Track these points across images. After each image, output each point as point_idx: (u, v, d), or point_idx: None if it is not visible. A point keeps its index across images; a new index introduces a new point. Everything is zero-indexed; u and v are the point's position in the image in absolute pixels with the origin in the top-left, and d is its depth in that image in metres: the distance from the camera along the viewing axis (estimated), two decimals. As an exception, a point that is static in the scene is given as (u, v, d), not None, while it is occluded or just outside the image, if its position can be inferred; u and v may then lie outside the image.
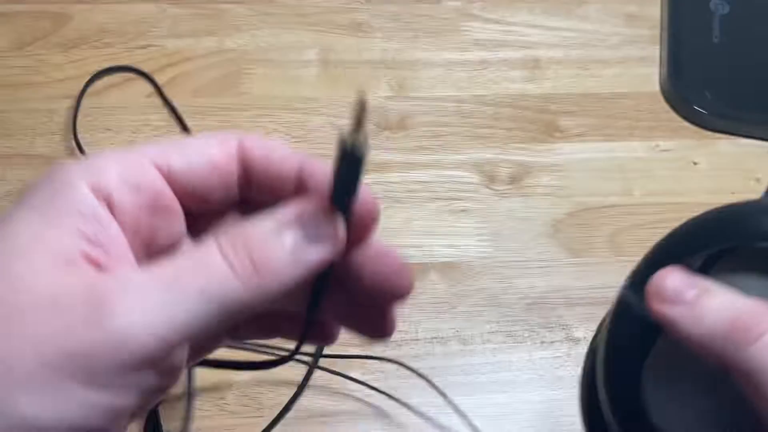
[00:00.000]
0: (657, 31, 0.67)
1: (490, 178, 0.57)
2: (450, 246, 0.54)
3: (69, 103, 0.58)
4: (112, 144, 0.56)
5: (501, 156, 0.58)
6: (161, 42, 0.62)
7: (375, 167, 0.57)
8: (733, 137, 0.60)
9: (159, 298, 0.23)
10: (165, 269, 0.24)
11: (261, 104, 0.59)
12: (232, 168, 0.28)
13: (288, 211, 0.26)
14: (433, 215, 0.55)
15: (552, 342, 0.50)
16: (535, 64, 0.64)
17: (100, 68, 0.60)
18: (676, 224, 0.35)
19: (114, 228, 0.26)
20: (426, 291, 0.52)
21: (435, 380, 0.48)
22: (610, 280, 0.53)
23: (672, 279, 0.29)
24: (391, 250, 0.30)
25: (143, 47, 0.62)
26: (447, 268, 0.53)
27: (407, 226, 0.54)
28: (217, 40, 0.63)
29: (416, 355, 0.49)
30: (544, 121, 0.60)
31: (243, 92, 0.60)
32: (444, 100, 0.61)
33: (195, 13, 0.64)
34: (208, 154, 0.28)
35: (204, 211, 0.29)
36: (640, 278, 0.32)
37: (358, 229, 0.29)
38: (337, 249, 0.27)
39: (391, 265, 0.30)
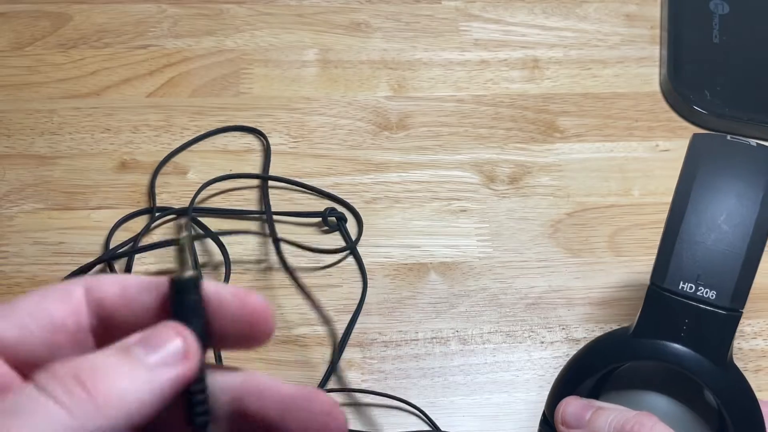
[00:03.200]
0: (657, 31, 0.67)
1: (490, 178, 0.57)
2: (450, 246, 0.54)
3: (69, 103, 0.58)
4: (111, 144, 0.56)
5: (500, 156, 0.58)
6: (161, 42, 0.62)
7: (375, 167, 0.57)
8: (732, 137, 0.60)
9: None
10: None
11: (260, 104, 0.59)
12: (81, 321, 0.25)
13: (132, 338, 0.24)
14: (433, 215, 0.55)
15: (552, 342, 0.50)
16: (534, 64, 0.64)
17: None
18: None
19: None
20: (426, 291, 0.52)
21: (435, 380, 0.48)
22: (610, 280, 0.53)
23: (571, 407, 0.36)
24: (315, 390, 0.26)
25: (143, 47, 0.62)
26: (447, 268, 0.53)
27: (407, 226, 0.54)
28: (217, 40, 0.63)
29: (416, 355, 0.49)
30: (543, 121, 0.60)
31: (242, 92, 0.60)
32: (444, 100, 0.61)
33: (194, 13, 0.64)
34: (45, 314, 0.24)
35: None
36: (549, 409, 0.39)
37: (251, 332, 0.25)
38: (191, 366, 0.24)
39: (320, 409, 0.25)
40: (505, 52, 0.64)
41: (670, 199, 0.56)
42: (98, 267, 0.50)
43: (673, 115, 0.61)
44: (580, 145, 0.59)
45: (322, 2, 0.66)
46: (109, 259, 0.50)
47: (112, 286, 0.25)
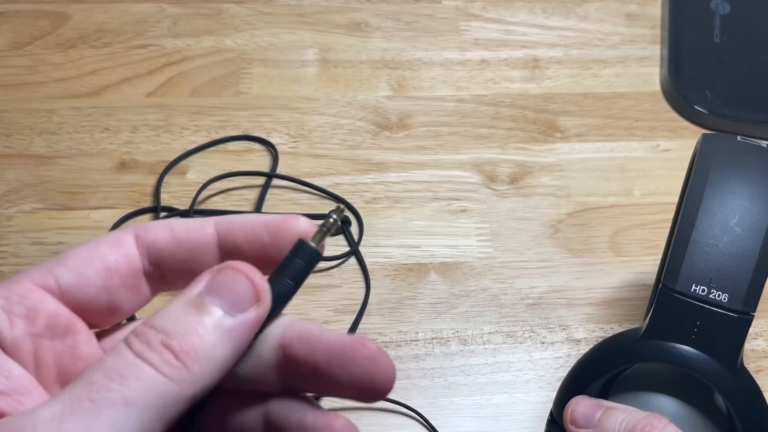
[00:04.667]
0: (657, 31, 0.66)
1: (490, 178, 0.57)
2: (450, 246, 0.53)
3: (68, 102, 0.58)
4: (111, 144, 0.56)
5: (501, 156, 0.58)
6: (160, 41, 0.62)
7: (375, 167, 0.57)
8: (733, 137, 0.60)
9: (79, 426, 0.21)
10: (76, 390, 0.22)
11: (260, 104, 0.59)
12: (135, 267, 0.26)
13: (198, 286, 0.24)
14: (433, 215, 0.55)
15: (552, 342, 0.50)
16: (535, 63, 0.63)
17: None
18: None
19: (11, 367, 0.24)
20: (426, 291, 0.51)
21: (435, 380, 0.48)
22: (611, 280, 0.53)
23: (580, 407, 0.36)
24: (361, 339, 0.25)
25: (142, 47, 0.62)
26: (447, 268, 0.52)
27: (407, 226, 0.54)
28: (217, 40, 0.62)
29: (416, 355, 0.49)
30: (544, 120, 0.60)
31: (242, 92, 0.60)
32: (444, 100, 0.61)
33: (194, 13, 0.64)
34: (99, 259, 0.26)
35: (118, 319, 0.27)
36: (557, 409, 0.39)
37: (370, 388, 0.25)
38: (264, 308, 0.24)
39: (366, 355, 0.25)
40: (505, 52, 0.64)
41: (670, 199, 0.56)
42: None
43: (674, 114, 0.61)
44: (581, 145, 0.59)
45: (322, 2, 0.66)
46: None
47: (161, 229, 0.26)
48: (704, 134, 0.40)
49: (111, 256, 0.26)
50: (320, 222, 0.26)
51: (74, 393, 0.22)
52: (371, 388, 0.25)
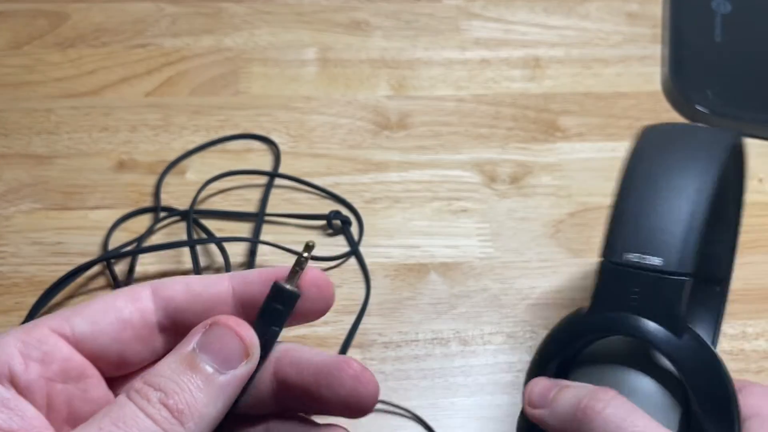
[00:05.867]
0: (658, 30, 0.66)
1: (491, 178, 0.57)
2: (450, 246, 0.53)
3: (66, 102, 0.58)
4: (109, 144, 0.56)
5: (501, 156, 0.58)
6: (159, 41, 0.62)
7: (375, 167, 0.57)
8: (735, 137, 0.60)
9: None
10: (88, 428, 0.24)
11: (259, 103, 0.59)
12: (149, 321, 0.28)
13: (191, 342, 0.26)
14: (433, 215, 0.55)
15: (553, 343, 0.50)
16: (535, 63, 0.63)
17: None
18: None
19: (25, 408, 0.25)
20: (426, 291, 0.51)
21: (435, 381, 0.48)
22: (612, 280, 0.53)
23: (537, 387, 0.36)
24: (346, 359, 0.28)
25: (141, 46, 0.61)
26: (447, 268, 0.52)
27: (407, 226, 0.54)
28: (216, 39, 0.62)
29: (416, 356, 0.49)
30: (544, 120, 0.60)
31: (241, 91, 0.60)
32: (444, 100, 0.61)
33: (193, 12, 0.64)
34: (114, 311, 0.27)
35: (127, 370, 0.28)
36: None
37: (311, 309, 0.28)
38: (253, 363, 0.26)
39: (350, 374, 0.27)
40: (506, 51, 0.64)
41: (672, 198, 0.56)
42: (97, 267, 0.50)
43: (675, 114, 0.61)
44: (582, 145, 0.59)
45: (321, 1, 0.66)
46: (111, 258, 0.50)
47: (177, 285, 0.28)
48: (645, 126, 0.41)
49: (126, 309, 0.27)
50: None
51: None
52: (356, 405, 0.27)
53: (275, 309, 0.27)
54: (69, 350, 0.26)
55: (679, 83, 0.61)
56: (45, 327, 0.26)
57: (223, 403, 0.25)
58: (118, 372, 0.28)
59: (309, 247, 0.27)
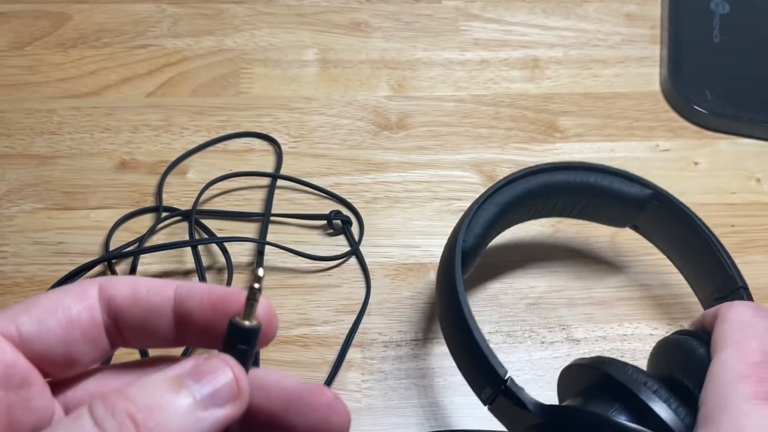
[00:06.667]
0: (657, 31, 0.66)
1: (490, 178, 0.57)
2: (450, 246, 0.53)
3: (68, 102, 0.58)
4: (111, 144, 0.56)
5: (501, 156, 0.58)
6: (160, 42, 0.62)
7: (375, 167, 0.57)
8: (733, 137, 0.60)
9: None
10: None
11: (260, 104, 0.59)
12: (97, 320, 0.26)
13: (184, 366, 0.24)
14: (433, 215, 0.55)
15: (552, 342, 0.50)
16: (534, 63, 0.63)
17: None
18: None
19: None
20: (426, 291, 0.51)
21: (435, 380, 0.48)
22: (611, 280, 0.53)
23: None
24: (318, 386, 0.26)
25: (142, 47, 0.62)
26: (447, 268, 0.52)
27: (407, 226, 0.54)
28: (217, 40, 0.62)
29: (416, 355, 0.49)
30: (543, 120, 0.60)
31: (242, 92, 0.60)
32: (444, 100, 0.61)
33: (194, 13, 0.64)
34: (63, 310, 0.26)
35: (74, 371, 0.27)
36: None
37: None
38: (240, 408, 0.24)
39: (322, 402, 0.26)
40: (505, 52, 0.64)
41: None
42: (99, 267, 0.50)
43: (674, 114, 0.61)
44: (581, 145, 0.59)
45: (322, 2, 0.66)
46: (113, 258, 0.50)
47: (123, 285, 0.26)
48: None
49: (74, 307, 0.26)
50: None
51: None
52: None
53: (239, 350, 0.25)
54: (13, 354, 0.25)
55: (678, 84, 0.62)
56: None
57: None
58: (64, 373, 0.27)
59: (259, 277, 0.26)
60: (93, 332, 0.26)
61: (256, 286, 0.25)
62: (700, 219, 0.48)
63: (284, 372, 0.26)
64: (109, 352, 0.27)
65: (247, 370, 0.25)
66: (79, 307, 0.26)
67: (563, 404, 0.39)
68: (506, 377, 0.38)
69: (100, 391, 0.27)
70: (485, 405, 0.40)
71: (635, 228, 0.51)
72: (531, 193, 0.47)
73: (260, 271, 0.26)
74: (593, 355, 0.49)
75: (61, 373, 0.26)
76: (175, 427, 0.22)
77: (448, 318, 0.42)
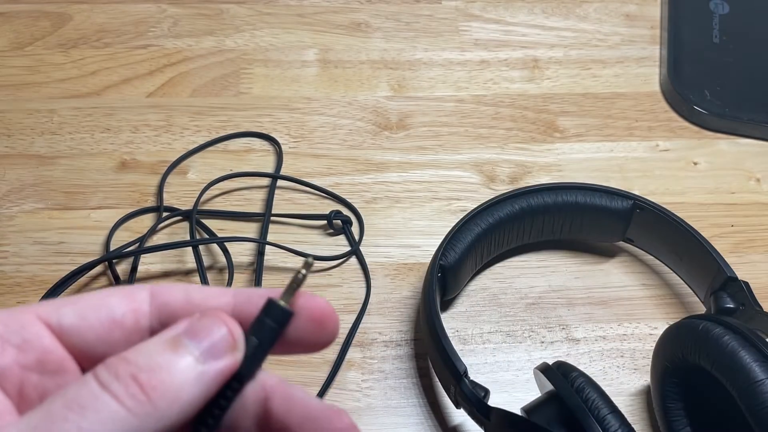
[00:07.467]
0: (657, 31, 0.67)
1: (490, 178, 0.57)
2: (450, 246, 0.53)
3: (69, 103, 0.58)
4: (112, 144, 0.56)
5: (501, 156, 0.58)
6: (161, 42, 0.62)
7: (375, 167, 0.57)
8: (732, 137, 0.60)
9: None
10: (34, 418, 0.22)
11: (260, 104, 0.59)
12: (142, 325, 0.26)
13: (178, 327, 0.24)
14: (433, 215, 0.55)
15: (552, 342, 0.50)
16: (534, 64, 0.64)
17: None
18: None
19: None
20: (426, 291, 0.52)
21: (435, 380, 0.48)
22: (610, 279, 0.53)
23: None
24: (338, 411, 0.26)
25: (143, 47, 0.62)
26: (447, 268, 0.53)
27: (407, 226, 0.54)
28: (217, 40, 0.63)
29: (416, 354, 0.49)
30: (543, 121, 0.60)
31: (242, 92, 0.60)
32: (444, 100, 0.61)
33: (194, 13, 0.64)
34: (107, 309, 0.26)
35: None
36: None
37: (308, 339, 0.27)
38: (237, 359, 0.25)
39: (338, 427, 0.26)
40: (505, 52, 0.64)
41: (669, 199, 0.56)
42: (99, 267, 0.50)
43: (673, 114, 0.61)
44: (580, 145, 0.59)
45: (322, 2, 0.66)
46: (113, 258, 0.50)
47: (177, 292, 0.26)
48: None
49: (120, 308, 0.26)
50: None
51: (32, 421, 0.22)
52: None
53: (267, 325, 0.25)
54: (51, 341, 0.25)
55: (677, 84, 0.62)
56: (31, 313, 0.25)
57: (200, 394, 0.24)
58: None
59: (308, 264, 0.26)
60: (134, 336, 0.26)
61: (303, 272, 0.26)
62: (681, 219, 0.48)
63: (308, 392, 0.26)
64: None
65: (268, 350, 0.25)
66: (124, 309, 0.26)
67: (512, 411, 0.41)
68: (462, 379, 0.41)
69: None
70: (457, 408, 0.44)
71: (630, 241, 0.52)
72: (514, 213, 0.49)
73: (310, 259, 0.26)
74: (593, 354, 0.49)
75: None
76: (177, 384, 0.23)
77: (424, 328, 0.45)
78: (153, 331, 0.26)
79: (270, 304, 0.26)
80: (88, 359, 0.26)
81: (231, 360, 0.24)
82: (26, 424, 0.22)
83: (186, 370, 0.23)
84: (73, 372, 0.26)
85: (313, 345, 0.27)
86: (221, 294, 0.27)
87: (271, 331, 0.26)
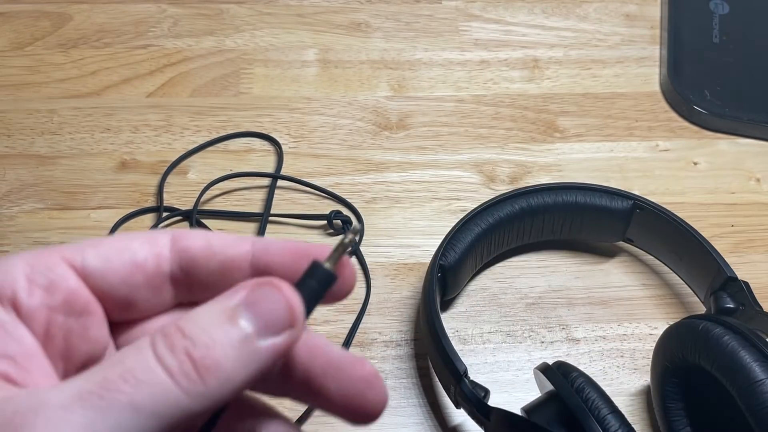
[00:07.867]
0: (656, 31, 0.67)
1: (490, 178, 0.57)
2: (450, 246, 0.53)
3: (69, 103, 0.58)
4: (112, 144, 0.56)
5: (501, 156, 0.58)
6: (161, 42, 0.62)
7: (375, 167, 0.57)
8: (732, 137, 0.60)
9: (83, 419, 0.21)
10: (89, 382, 0.21)
11: (260, 104, 0.59)
12: (163, 268, 0.26)
13: (236, 297, 0.23)
14: (433, 215, 0.55)
15: (552, 342, 0.50)
16: (534, 64, 0.64)
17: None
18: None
19: (23, 334, 0.24)
20: (426, 291, 0.52)
21: (435, 380, 0.48)
22: (610, 279, 0.53)
23: None
24: (361, 359, 0.26)
25: (143, 47, 0.62)
26: (447, 268, 0.53)
27: (407, 226, 0.54)
28: (217, 40, 0.63)
29: (416, 354, 0.49)
30: (543, 121, 0.60)
31: (242, 92, 0.60)
32: (444, 100, 0.61)
33: (195, 13, 0.64)
34: (129, 252, 0.26)
35: (132, 316, 0.27)
36: None
37: (335, 295, 0.26)
38: (296, 336, 0.24)
39: (360, 374, 0.26)
40: (505, 52, 0.64)
41: (669, 199, 0.56)
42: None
43: (673, 114, 0.62)
44: (580, 145, 0.59)
45: (322, 2, 0.66)
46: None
47: (198, 238, 0.26)
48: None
49: (141, 252, 0.26)
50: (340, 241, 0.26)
51: (86, 384, 0.21)
52: (360, 409, 0.26)
53: (312, 287, 0.25)
54: (77, 282, 0.25)
55: (678, 84, 0.62)
56: (56, 255, 0.25)
57: (254, 372, 0.23)
58: (123, 316, 0.27)
59: (357, 229, 0.26)
60: (156, 280, 0.26)
61: (350, 237, 0.25)
62: (681, 219, 0.48)
63: (328, 340, 0.26)
64: (170, 303, 0.27)
65: (310, 312, 0.25)
66: (146, 253, 0.26)
67: (512, 411, 0.41)
68: (462, 379, 0.41)
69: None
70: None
71: (629, 241, 0.52)
72: (514, 213, 0.49)
73: (357, 225, 0.26)
74: (593, 354, 0.49)
75: (117, 314, 0.27)
76: (231, 362, 0.22)
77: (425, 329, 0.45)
78: (173, 277, 0.26)
79: (315, 267, 0.25)
80: (110, 301, 0.26)
81: (289, 338, 0.23)
82: (80, 386, 0.21)
83: (242, 347, 0.22)
84: (97, 314, 0.26)
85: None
86: (241, 242, 0.26)
87: (315, 293, 0.25)
